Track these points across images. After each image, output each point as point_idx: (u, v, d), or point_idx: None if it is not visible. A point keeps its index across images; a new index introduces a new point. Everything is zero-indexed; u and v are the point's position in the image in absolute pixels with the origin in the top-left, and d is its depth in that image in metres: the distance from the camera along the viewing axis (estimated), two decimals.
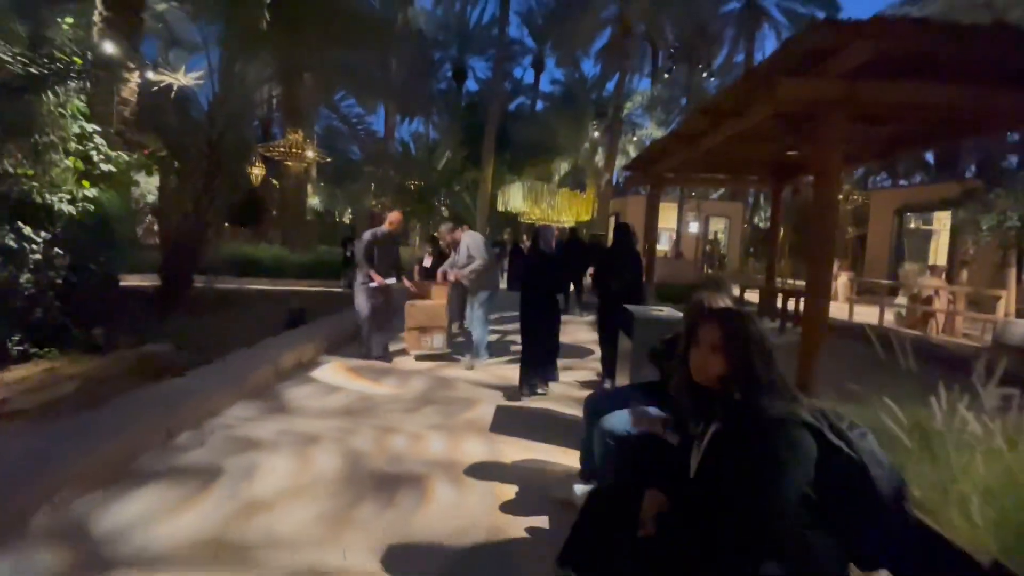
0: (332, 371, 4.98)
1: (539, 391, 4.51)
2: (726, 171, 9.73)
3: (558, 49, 24.58)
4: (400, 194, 18.32)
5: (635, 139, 21.51)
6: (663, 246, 19.74)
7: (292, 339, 5.47)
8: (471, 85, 31.53)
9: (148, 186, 22.34)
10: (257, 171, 17.61)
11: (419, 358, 5.49)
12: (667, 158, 8.18)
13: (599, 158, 21.20)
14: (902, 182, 19.83)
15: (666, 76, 20.33)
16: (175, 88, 9.26)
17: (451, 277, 5.34)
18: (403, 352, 5.65)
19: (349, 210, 23.62)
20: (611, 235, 6.50)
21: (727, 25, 21.85)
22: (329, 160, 15.17)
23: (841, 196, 18.06)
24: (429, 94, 26.45)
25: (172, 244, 8.18)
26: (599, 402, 2.89)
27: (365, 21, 10.63)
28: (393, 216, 5.65)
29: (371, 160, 17.30)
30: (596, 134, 21.01)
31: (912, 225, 14.16)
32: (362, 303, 5.28)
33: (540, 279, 4.68)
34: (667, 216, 18.84)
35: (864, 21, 3.55)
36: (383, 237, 5.36)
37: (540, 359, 4.58)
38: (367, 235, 5.35)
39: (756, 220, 25.42)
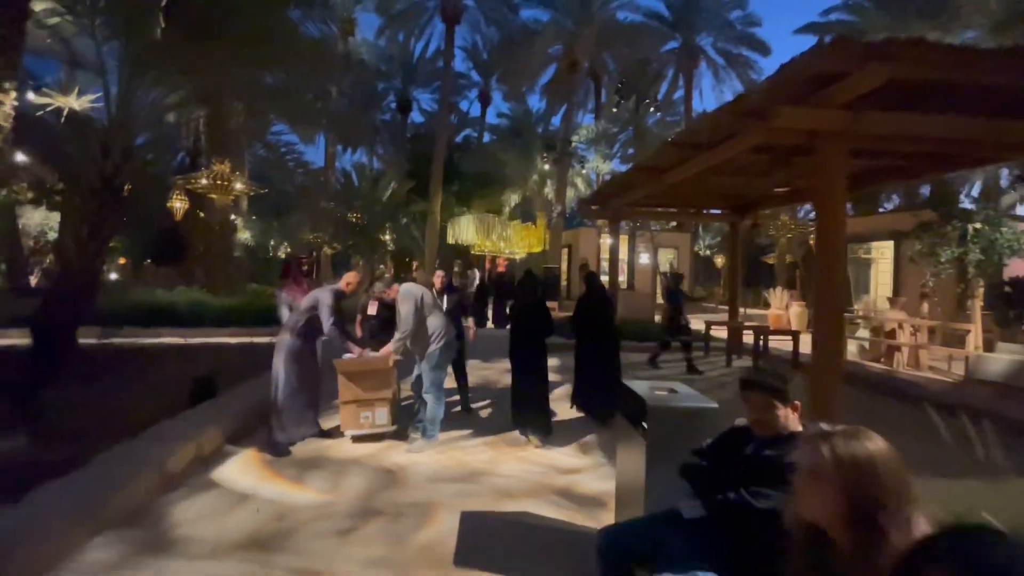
0: (241, 468, 3.85)
1: (535, 439, 4.46)
2: (688, 204, 9.44)
3: (504, 83, 24.56)
4: (340, 228, 17.08)
5: (583, 171, 21.53)
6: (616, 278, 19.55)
7: (191, 423, 4.27)
8: (416, 117, 31.02)
9: (51, 221, 19.88)
10: (179, 205, 15.92)
11: (357, 439, 4.42)
12: (630, 191, 7.70)
13: (548, 190, 20.97)
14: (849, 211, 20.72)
15: (614, 110, 20.56)
16: (65, 112, 7.89)
17: (384, 352, 4.41)
18: (336, 432, 4.57)
19: (286, 245, 21.99)
20: (584, 283, 6.01)
21: (668, 63, 22.64)
22: (264, 191, 13.82)
23: (774, 230, 18.74)
24: (372, 125, 25.56)
25: (48, 293, 6.73)
26: (620, 538, 2.06)
27: (298, 44, 9.72)
28: (350, 277, 4.68)
29: (307, 192, 16.03)
30: (546, 166, 20.83)
31: (851, 255, 14.59)
32: (285, 370, 4.24)
33: (532, 319, 4.73)
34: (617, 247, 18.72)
35: (880, 42, 3.10)
36: (340, 294, 4.44)
37: (532, 403, 4.59)
38: (327, 295, 4.34)
39: (696, 249, 26.00)
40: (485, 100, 29.84)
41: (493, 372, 7.45)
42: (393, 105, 29.68)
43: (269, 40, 8.22)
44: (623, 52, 21.07)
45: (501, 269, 14.30)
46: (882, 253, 14.95)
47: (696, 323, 14.68)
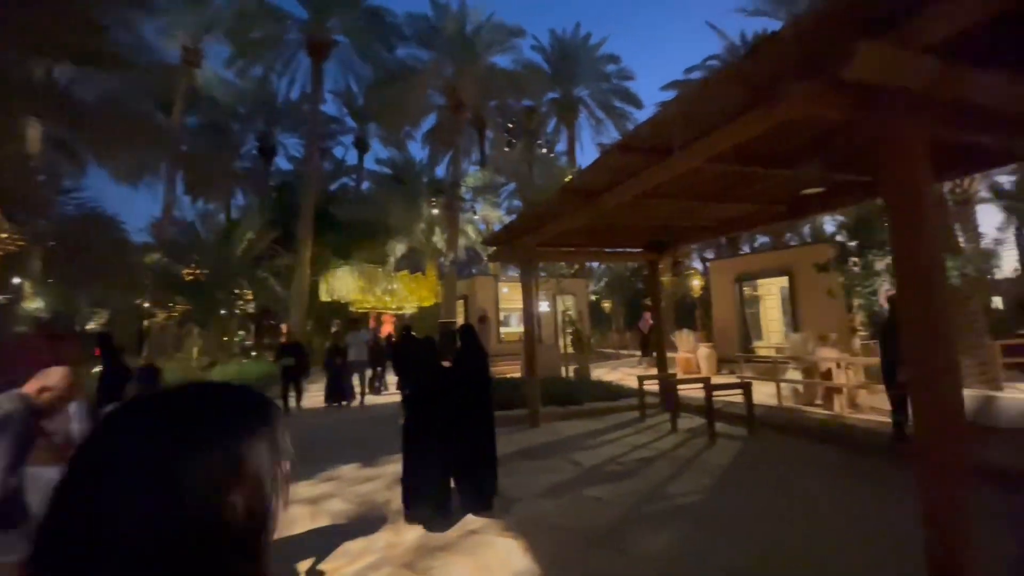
0: None
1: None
2: (603, 243, 8.24)
3: (383, 125, 22.88)
4: (167, 288, 13.44)
5: (475, 217, 20.30)
6: (514, 328, 18.16)
7: None
8: (284, 164, 27.89)
9: None
10: None
11: None
12: (551, 223, 6.19)
13: (438, 238, 19.27)
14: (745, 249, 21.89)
15: (507, 149, 19.84)
16: None
17: None
18: None
19: (98, 315, 17.17)
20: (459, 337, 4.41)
21: (551, 113, 22.90)
22: (24, 243, 10.03)
23: (662, 270, 19.05)
24: (225, 170, 22.03)
25: None
26: None
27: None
28: (52, 377, 2.22)
29: (117, 245, 12.29)
30: (434, 211, 19.18)
31: (744, 292, 14.81)
32: None
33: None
34: (516, 296, 17.47)
35: None
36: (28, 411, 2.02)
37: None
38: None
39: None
40: (362, 146, 27.81)
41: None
42: (255, 151, 26.39)
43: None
44: (506, 99, 20.74)
45: (388, 328, 12.10)
46: (768, 290, 15.43)
47: (612, 375, 13.74)
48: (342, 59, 20.61)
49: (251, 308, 17.12)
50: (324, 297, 16.61)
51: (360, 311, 17.45)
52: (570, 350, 12.78)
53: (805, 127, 3.76)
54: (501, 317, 19.81)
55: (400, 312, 18.33)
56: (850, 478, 4.73)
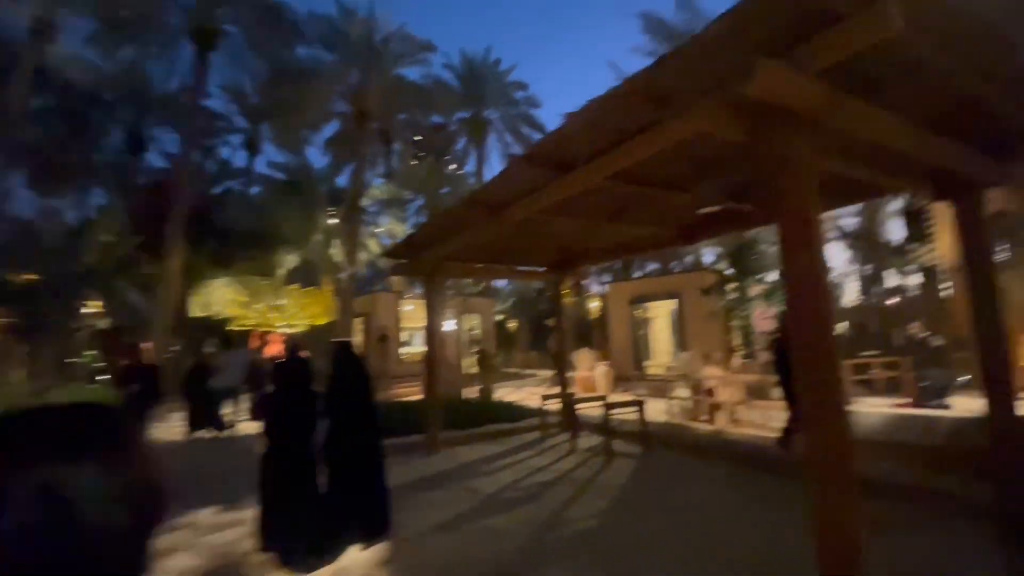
0: None
1: None
2: (509, 260, 8.13)
3: (277, 127, 21.25)
4: None
5: (378, 231, 19.44)
6: (417, 348, 17.48)
7: None
8: (158, 161, 24.66)
9: None
10: None
11: None
12: (453, 237, 5.92)
13: (336, 251, 18.09)
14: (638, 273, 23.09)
15: (413, 162, 19.31)
16: None
17: None
18: None
19: None
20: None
21: (462, 132, 22.85)
22: None
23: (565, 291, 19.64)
24: (78, 161, 18.98)
25: None
26: None
27: None
28: None
29: None
30: (335, 220, 18.01)
31: (636, 314, 15.64)
32: None
33: None
34: (420, 314, 16.85)
35: None
36: None
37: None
38: None
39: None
40: (253, 148, 25.58)
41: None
42: (120, 143, 23.04)
43: None
44: (416, 113, 20.37)
45: (276, 348, 10.89)
46: (658, 312, 16.44)
47: (516, 395, 13.57)
48: (233, 52, 18.88)
49: (102, 323, 14.62)
50: (197, 312, 14.70)
51: (241, 328, 15.68)
52: (475, 370, 12.47)
53: (702, 149, 3.89)
54: (404, 336, 19.02)
55: (291, 330, 16.78)
56: (739, 492, 4.90)
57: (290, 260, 18.48)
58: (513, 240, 6.48)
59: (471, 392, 11.35)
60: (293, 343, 4.83)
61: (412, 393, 12.36)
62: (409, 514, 4.41)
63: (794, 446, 5.70)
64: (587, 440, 7.33)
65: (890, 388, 9.98)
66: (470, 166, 24.84)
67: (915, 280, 18.66)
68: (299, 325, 16.48)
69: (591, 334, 18.28)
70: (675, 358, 10.78)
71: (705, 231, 6.24)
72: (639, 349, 15.01)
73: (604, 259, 7.59)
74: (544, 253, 7.75)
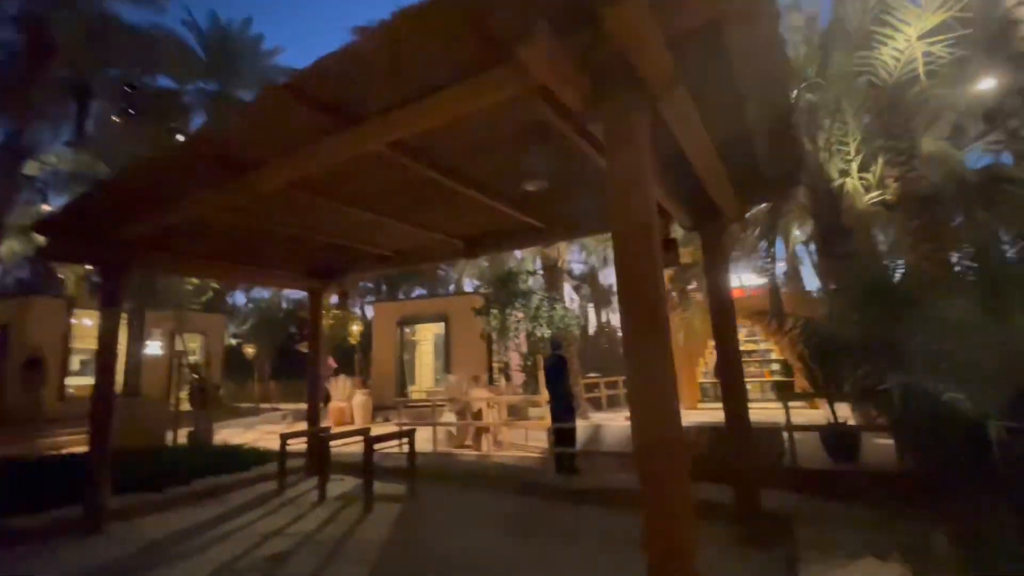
0: None
1: None
2: (254, 260, 6.35)
3: None
4: None
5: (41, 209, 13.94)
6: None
7: None
8: None
9: None
10: None
11: None
12: (155, 207, 4.12)
13: None
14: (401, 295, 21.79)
15: (116, 120, 14.52)
16: None
17: None
18: None
19: None
20: None
21: (199, 105, 18.37)
22: None
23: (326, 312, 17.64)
24: None
25: None
26: None
27: None
28: None
29: None
30: None
31: (403, 337, 14.86)
32: None
33: None
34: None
35: None
36: None
37: None
38: None
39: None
40: None
41: None
42: None
43: None
44: (134, 70, 15.71)
45: None
46: (425, 335, 16.00)
47: (247, 436, 10.74)
48: None
49: None
50: None
51: None
52: (188, 407, 9.45)
53: (518, 145, 3.41)
54: (77, 362, 13.93)
55: None
56: (522, 528, 4.44)
57: None
58: (264, 226, 4.92)
59: (185, 436, 8.49)
60: None
61: (80, 443, 8.64)
62: None
63: (574, 474, 5.73)
64: (340, 485, 6.01)
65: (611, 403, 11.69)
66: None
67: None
68: None
69: (352, 359, 16.58)
70: (442, 381, 10.31)
71: (489, 246, 5.90)
72: (403, 373, 14.17)
73: (379, 268, 6.55)
74: (305, 254, 6.26)
